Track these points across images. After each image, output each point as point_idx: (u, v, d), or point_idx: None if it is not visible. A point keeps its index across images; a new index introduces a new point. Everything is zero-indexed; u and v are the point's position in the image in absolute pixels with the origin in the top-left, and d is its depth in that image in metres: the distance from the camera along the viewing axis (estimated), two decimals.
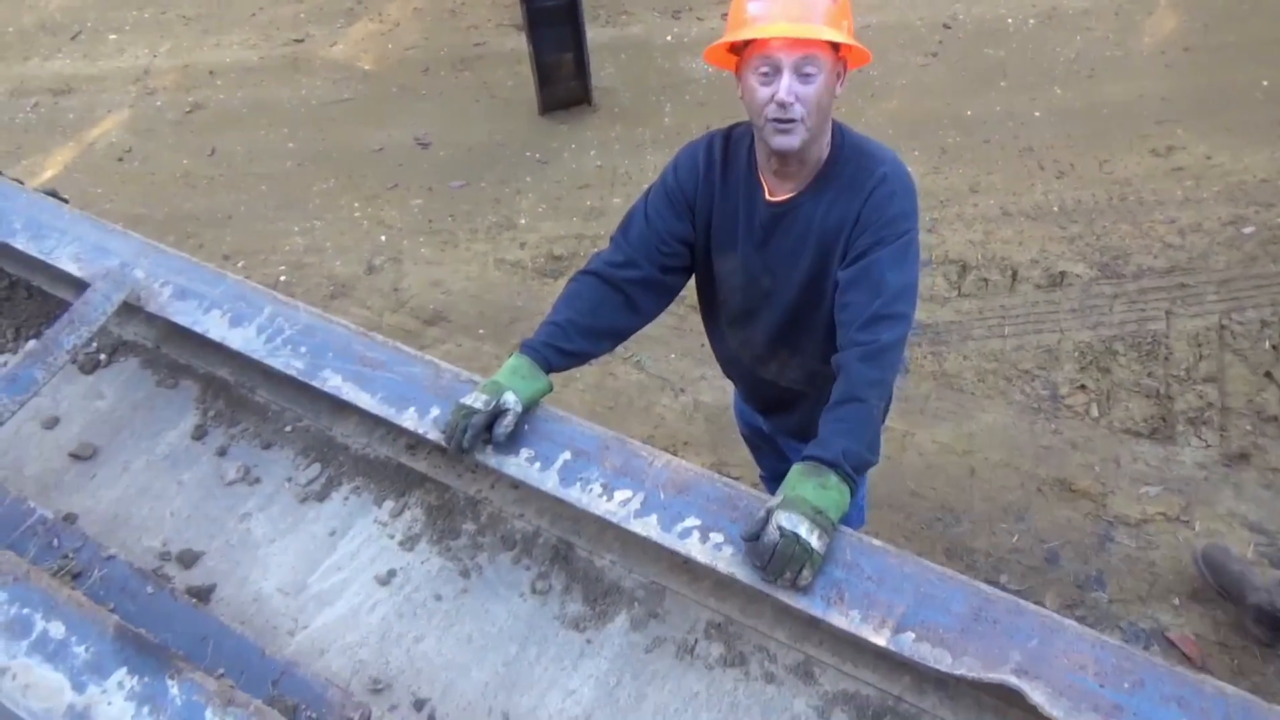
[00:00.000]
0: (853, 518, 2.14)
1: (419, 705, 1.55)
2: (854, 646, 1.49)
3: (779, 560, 1.44)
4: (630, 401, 3.59)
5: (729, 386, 2.44)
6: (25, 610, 1.42)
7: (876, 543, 1.50)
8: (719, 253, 1.93)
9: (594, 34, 5.07)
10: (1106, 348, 3.60)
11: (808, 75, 1.64)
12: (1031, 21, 5.33)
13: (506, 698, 1.55)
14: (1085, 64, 4.95)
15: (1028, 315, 3.77)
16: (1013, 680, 1.32)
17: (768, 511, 1.48)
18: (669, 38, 5.50)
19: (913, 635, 1.38)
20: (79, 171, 4.98)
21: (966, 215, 4.21)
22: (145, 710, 1.29)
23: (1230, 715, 1.26)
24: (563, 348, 1.80)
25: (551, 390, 1.76)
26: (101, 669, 1.34)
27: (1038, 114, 4.69)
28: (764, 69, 1.65)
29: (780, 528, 1.44)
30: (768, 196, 1.83)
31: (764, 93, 1.66)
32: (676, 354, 3.72)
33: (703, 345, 3.27)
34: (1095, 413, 3.41)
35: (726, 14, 1.77)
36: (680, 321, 3.74)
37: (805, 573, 1.44)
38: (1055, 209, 4.19)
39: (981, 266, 3.98)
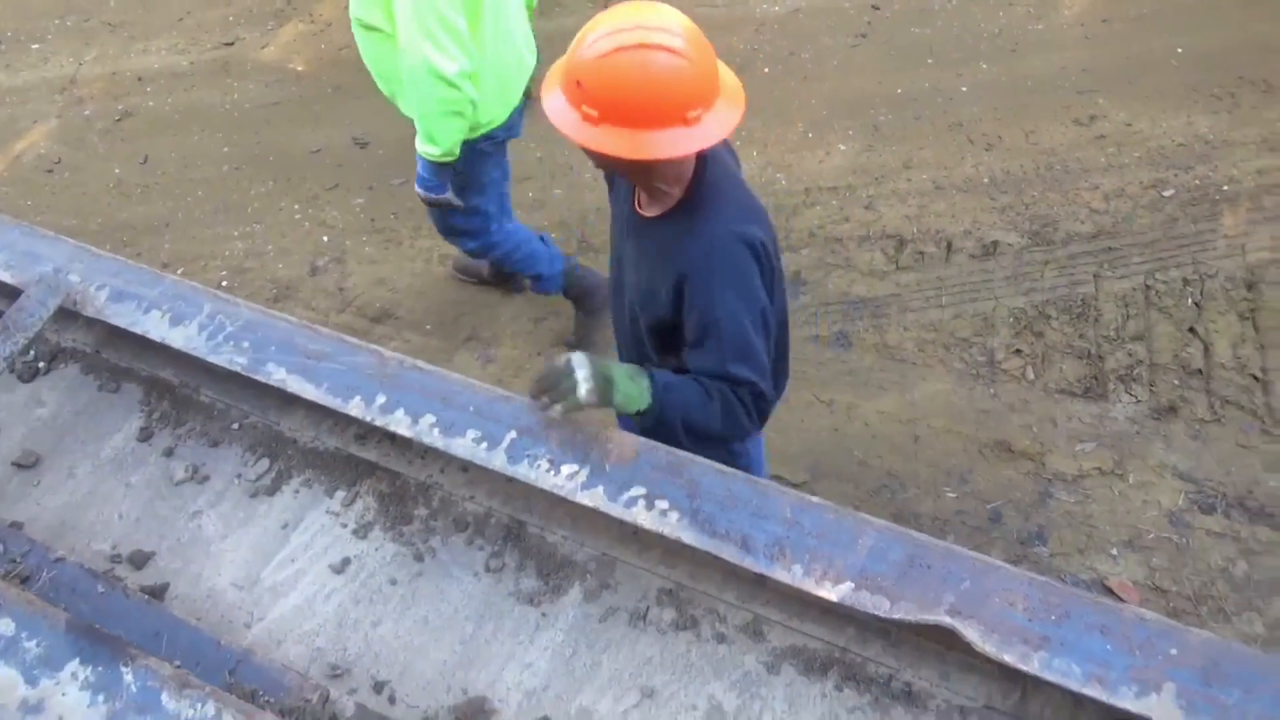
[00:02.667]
0: (754, 465, 2.27)
1: (378, 688, 1.57)
2: (799, 602, 1.55)
3: (545, 378, 1.62)
4: None
5: None
6: None
7: (815, 500, 1.56)
8: (613, 240, 2.14)
9: None
10: (1039, 312, 3.72)
11: (592, 154, 1.74)
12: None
13: (465, 674, 1.58)
14: (1008, 39, 5.07)
15: (963, 285, 3.87)
16: (947, 620, 1.38)
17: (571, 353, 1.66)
18: None
19: (852, 585, 1.44)
20: (7, 185, 4.87)
21: (901, 191, 4.31)
22: (100, 698, 1.29)
23: (1151, 639, 1.34)
24: None
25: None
26: (53, 661, 1.34)
27: (965, 89, 4.80)
28: None
29: (567, 359, 1.62)
30: (638, 208, 1.97)
31: None
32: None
33: None
34: (1031, 375, 3.52)
35: None
36: None
37: (558, 407, 1.61)
38: (985, 181, 4.30)
39: (917, 240, 4.07)
